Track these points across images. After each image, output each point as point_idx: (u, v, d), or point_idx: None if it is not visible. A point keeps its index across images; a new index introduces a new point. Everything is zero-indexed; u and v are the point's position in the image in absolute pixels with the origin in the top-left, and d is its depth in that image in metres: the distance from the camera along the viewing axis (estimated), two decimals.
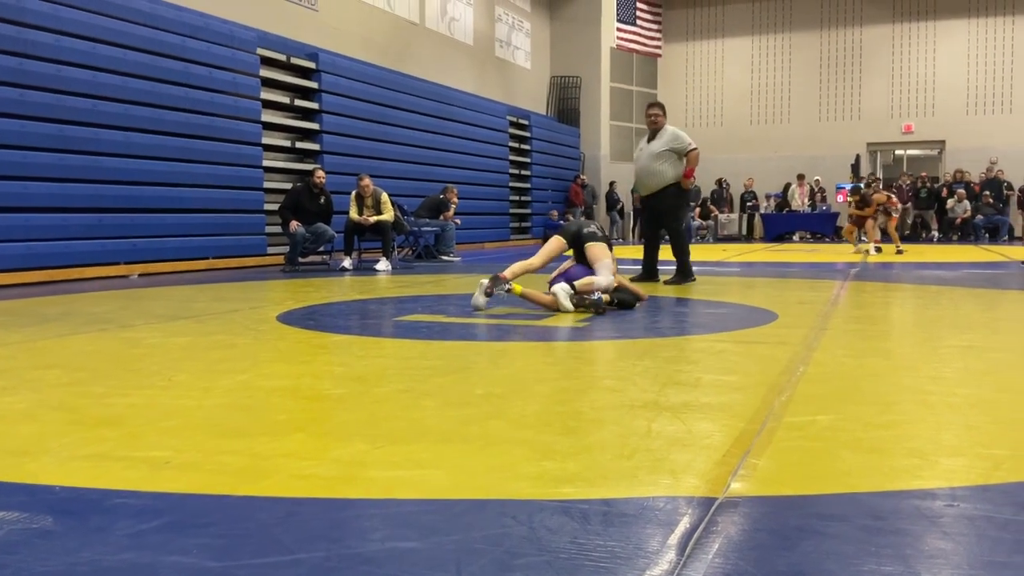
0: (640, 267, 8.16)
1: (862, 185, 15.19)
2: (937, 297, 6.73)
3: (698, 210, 20.37)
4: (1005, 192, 19.41)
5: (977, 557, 1.59)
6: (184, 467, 2.17)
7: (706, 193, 20.67)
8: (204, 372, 3.51)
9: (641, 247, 8.43)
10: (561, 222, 19.23)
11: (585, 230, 5.98)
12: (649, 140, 7.98)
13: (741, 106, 22.81)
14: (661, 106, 8.22)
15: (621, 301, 5.69)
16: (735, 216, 21.73)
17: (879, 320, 5.52)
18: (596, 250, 5.85)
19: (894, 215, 13.74)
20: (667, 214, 7.99)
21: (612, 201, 21.24)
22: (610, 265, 5.80)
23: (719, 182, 21.07)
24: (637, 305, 5.83)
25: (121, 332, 4.76)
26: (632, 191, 8.49)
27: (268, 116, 11.32)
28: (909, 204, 20.15)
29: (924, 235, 19.76)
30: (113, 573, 1.52)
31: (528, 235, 19.26)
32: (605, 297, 5.51)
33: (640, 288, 6.19)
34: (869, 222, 13.35)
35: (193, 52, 10.02)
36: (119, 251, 9.20)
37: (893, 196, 14.06)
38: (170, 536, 1.69)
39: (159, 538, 1.68)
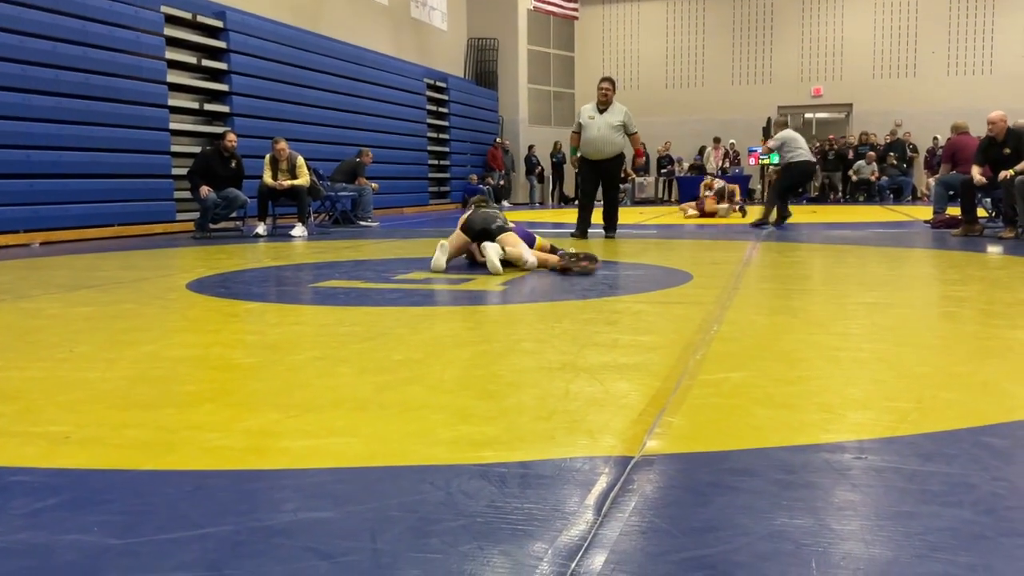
0: (575, 226, 9.12)
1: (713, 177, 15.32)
2: (844, 256, 6.93)
3: None
4: (909, 153, 20.07)
5: (885, 508, 1.63)
6: (85, 442, 2.08)
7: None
8: (108, 343, 3.37)
9: (558, 210, 8.87)
10: (481, 186, 19.17)
11: (493, 225, 5.86)
12: (600, 111, 8.80)
13: (656, 70, 22.99)
14: (613, 81, 9.00)
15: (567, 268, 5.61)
16: (652, 179, 21.96)
17: (789, 279, 5.65)
18: (511, 239, 5.82)
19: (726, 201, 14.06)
20: (614, 178, 9.19)
21: (531, 165, 21.22)
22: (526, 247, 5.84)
23: None
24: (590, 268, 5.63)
25: (19, 303, 4.55)
26: (571, 154, 9.34)
27: (174, 77, 10.89)
28: (818, 167, 20.66)
29: (832, 196, 20.32)
30: (7, 555, 1.45)
31: (447, 199, 19.11)
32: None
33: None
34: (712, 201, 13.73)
35: (93, 10, 9.55)
36: (18, 218, 8.78)
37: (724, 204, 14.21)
38: (69, 514, 1.62)
39: (57, 516, 1.61)
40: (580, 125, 8.92)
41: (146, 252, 7.97)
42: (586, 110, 8.94)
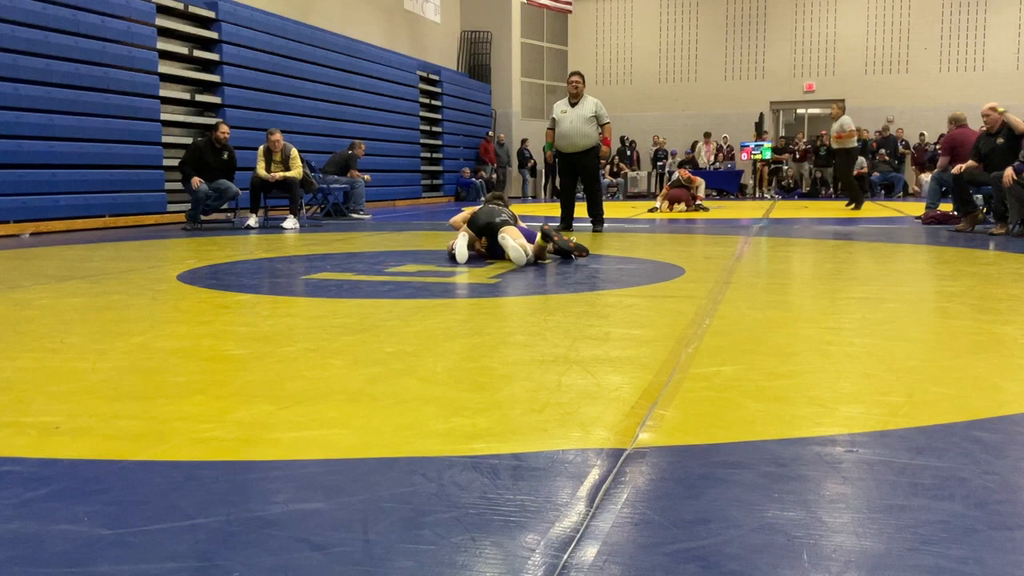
0: (559, 220, 9.23)
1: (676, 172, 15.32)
2: (835, 251, 6.94)
3: (608, 167, 20.53)
4: (901, 150, 20.11)
5: (876, 501, 1.64)
6: (76, 432, 2.07)
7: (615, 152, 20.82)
8: (98, 334, 3.36)
9: (551, 204, 8.95)
10: (473, 180, 19.13)
11: (497, 219, 5.96)
12: (572, 104, 9.00)
13: (650, 64, 22.98)
14: (582, 75, 9.24)
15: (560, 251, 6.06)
16: (644, 173, 21.98)
17: (780, 274, 5.66)
18: (512, 232, 5.88)
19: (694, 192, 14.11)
20: (590, 171, 9.23)
21: (524, 158, 21.19)
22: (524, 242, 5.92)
23: (622, 140, 21.23)
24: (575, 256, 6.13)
25: (9, 293, 4.52)
26: (545, 149, 9.43)
27: (166, 67, 10.84)
28: (806, 162, 20.77)
29: (823, 192, 20.35)
30: None
31: (440, 193, 19.07)
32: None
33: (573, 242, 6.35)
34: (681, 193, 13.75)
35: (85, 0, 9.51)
36: (8, 209, 8.74)
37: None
38: (59, 504, 1.61)
39: (47, 506, 1.60)
40: (554, 120, 9.14)
41: (137, 243, 7.94)
42: (559, 105, 9.17)
